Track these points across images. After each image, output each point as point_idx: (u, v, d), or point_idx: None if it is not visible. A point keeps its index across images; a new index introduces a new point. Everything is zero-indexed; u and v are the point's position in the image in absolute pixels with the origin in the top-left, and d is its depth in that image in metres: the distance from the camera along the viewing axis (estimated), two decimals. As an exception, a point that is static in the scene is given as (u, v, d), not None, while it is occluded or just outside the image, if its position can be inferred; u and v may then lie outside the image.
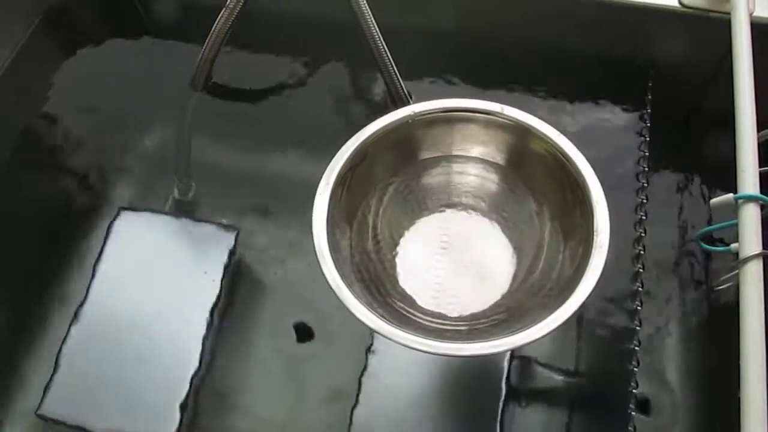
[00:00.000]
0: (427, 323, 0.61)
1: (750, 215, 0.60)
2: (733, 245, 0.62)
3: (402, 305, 0.62)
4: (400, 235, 0.66)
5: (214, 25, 0.69)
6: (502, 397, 0.70)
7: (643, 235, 0.73)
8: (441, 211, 0.67)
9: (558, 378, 0.73)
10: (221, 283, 0.76)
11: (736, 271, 0.59)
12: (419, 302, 0.63)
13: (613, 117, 0.83)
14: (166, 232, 0.80)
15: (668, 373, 0.72)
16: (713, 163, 0.76)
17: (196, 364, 0.72)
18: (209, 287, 0.76)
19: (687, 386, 0.72)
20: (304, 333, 0.77)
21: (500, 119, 0.64)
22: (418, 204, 0.67)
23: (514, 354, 0.73)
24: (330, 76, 0.89)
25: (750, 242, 0.58)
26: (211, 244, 0.78)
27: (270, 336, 0.77)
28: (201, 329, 0.74)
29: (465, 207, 0.67)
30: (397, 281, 0.64)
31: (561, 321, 0.54)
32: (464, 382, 0.72)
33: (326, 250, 0.58)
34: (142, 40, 0.95)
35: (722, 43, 0.69)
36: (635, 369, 0.67)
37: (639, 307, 0.70)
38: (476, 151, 0.67)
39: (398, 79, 0.69)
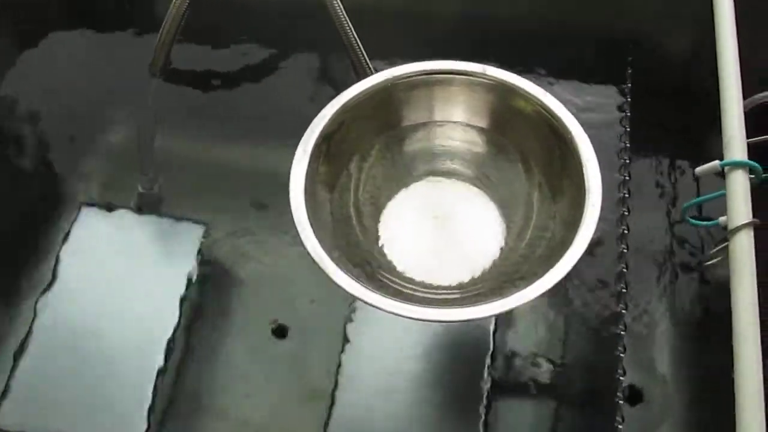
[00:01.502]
0: (414, 293, 0.59)
1: (738, 183, 0.57)
2: (722, 218, 0.60)
3: (388, 275, 0.60)
4: (384, 204, 0.64)
5: (171, 5, 0.67)
6: (486, 387, 0.67)
7: (626, 213, 0.71)
8: (426, 178, 0.66)
9: (543, 366, 0.70)
10: (189, 281, 0.73)
11: (726, 243, 0.56)
12: (406, 272, 0.61)
13: (593, 93, 0.81)
14: (131, 228, 0.77)
15: (657, 359, 0.69)
16: (698, 140, 0.74)
17: (161, 363, 0.69)
18: (176, 285, 0.73)
19: (677, 372, 0.69)
20: (279, 330, 0.74)
21: (483, 80, 0.63)
22: (401, 171, 0.66)
23: (497, 344, 0.70)
24: (301, 62, 0.87)
25: (739, 211, 0.56)
26: (179, 240, 0.76)
27: (244, 334, 0.73)
28: (168, 328, 0.71)
29: (450, 173, 0.66)
30: (382, 251, 0.62)
31: (555, 282, 0.53)
32: (446, 371, 0.69)
33: (305, 219, 0.56)
34: (103, 29, 0.91)
35: (704, 14, 0.68)
36: (622, 355, 0.66)
37: (624, 290, 0.68)
38: (459, 115, 0.66)
39: (362, 51, 0.68)
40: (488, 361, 0.68)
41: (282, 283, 0.75)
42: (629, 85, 0.78)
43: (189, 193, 0.80)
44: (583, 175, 0.57)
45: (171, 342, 0.70)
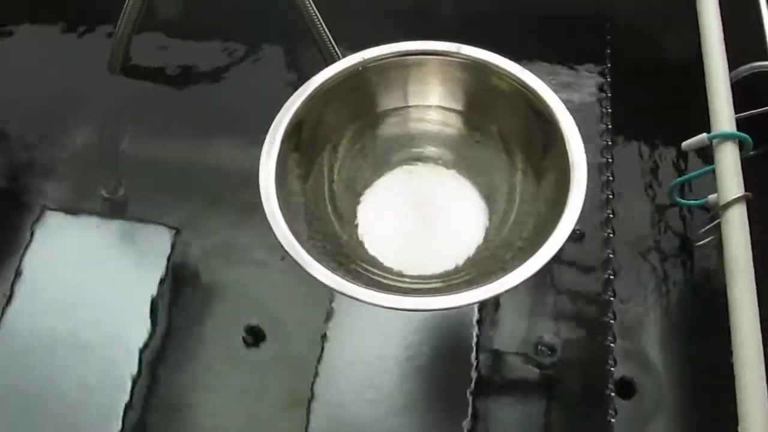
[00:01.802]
0: (396, 284, 0.57)
1: (728, 155, 0.55)
2: (711, 196, 0.58)
3: (368, 267, 0.58)
4: (361, 193, 0.62)
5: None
6: (472, 385, 0.64)
7: (611, 197, 0.69)
8: (403, 165, 0.64)
9: (531, 359, 0.68)
10: (160, 288, 0.71)
11: (718, 220, 0.54)
12: (386, 263, 0.59)
13: (571, 75, 0.80)
14: (96, 234, 0.74)
15: (647, 348, 0.67)
16: (681, 117, 0.72)
17: (134, 372, 0.66)
18: (147, 292, 0.70)
19: (669, 361, 0.67)
20: (256, 336, 0.71)
21: (458, 59, 0.61)
22: (377, 159, 0.64)
23: (481, 341, 0.67)
24: (270, 54, 0.85)
25: (730, 185, 0.54)
26: (147, 246, 0.73)
27: (220, 341, 0.71)
28: (139, 337, 0.68)
29: (428, 158, 0.64)
30: (360, 242, 0.60)
31: (543, 263, 0.51)
32: (431, 370, 0.66)
33: (277, 211, 0.54)
34: (62, 27, 0.88)
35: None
36: (612, 345, 0.63)
37: (612, 276, 0.66)
38: (435, 98, 0.64)
39: (328, 37, 0.67)
40: (473, 358, 0.65)
41: (258, 286, 0.72)
42: (608, 65, 0.77)
43: (156, 195, 0.78)
44: (566, 151, 0.55)
45: (143, 350, 0.68)
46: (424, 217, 0.61)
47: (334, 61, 0.64)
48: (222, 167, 0.79)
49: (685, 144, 0.59)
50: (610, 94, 0.75)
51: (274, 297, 0.70)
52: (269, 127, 0.59)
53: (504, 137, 0.62)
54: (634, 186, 0.73)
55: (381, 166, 0.63)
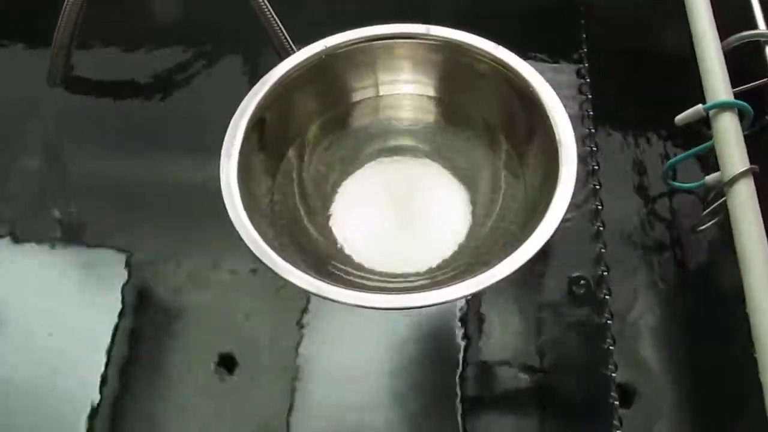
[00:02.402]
0: (377, 284, 0.54)
1: (729, 126, 0.51)
2: (709, 177, 0.54)
3: (345, 268, 0.55)
4: (334, 191, 0.59)
5: (64, 4, 0.60)
6: (459, 401, 0.60)
7: (598, 187, 0.65)
8: (378, 158, 0.61)
9: (523, 368, 0.63)
10: (119, 314, 0.66)
11: (721, 200, 0.50)
12: (365, 263, 0.56)
13: (547, 60, 0.76)
14: (45, 261, 0.70)
15: (647, 350, 0.63)
16: (665, 100, 0.67)
17: (95, 405, 0.62)
18: (104, 321, 0.66)
19: (671, 362, 0.62)
20: (226, 362, 0.66)
21: (428, 42, 0.58)
22: (350, 152, 0.61)
23: (468, 353, 0.62)
24: (224, 60, 0.80)
25: (734, 158, 0.49)
26: (102, 271, 0.69)
27: (188, 369, 0.66)
28: (98, 370, 0.63)
29: (404, 149, 0.61)
30: (335, 242, 0.57)
31: (536, 250, 0.47)
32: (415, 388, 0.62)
33: (242, 212, 0.51)
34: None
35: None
36: (611, 348, 0.59)
37: (605, 273, 0.62)
38: (407, 85, 0.61)
39: (279, 26, 0.64)
40: (459, 372, 0.61)
41: (228, 311, 0.67)
42: (584, 50, 0.73)
43: (109, 216, 0.73)
44: (551, 128, 0.52)
45: (103, 385, 0.63)
46: (404, 211, 0.58)
47: (288, 55, 0.60)
48: (178, 183, 0.74)
49: (678, 118, 0.55)
50: (589, 80, 0.71)
51: (244, 319, 0.65)
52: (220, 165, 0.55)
53: (484, 121, 0.59)
54: (621, 175, 0.69)
55: (354, 161, 0.60)
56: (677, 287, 0.64)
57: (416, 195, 0.59)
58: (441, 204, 0.58)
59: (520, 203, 0.55)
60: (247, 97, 0.56)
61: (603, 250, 0.62)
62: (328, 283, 0.48)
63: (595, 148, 0.67)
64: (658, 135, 0.71)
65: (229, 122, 0.57)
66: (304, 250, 0.55)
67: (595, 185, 0.65)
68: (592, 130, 0.68)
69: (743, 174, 0.48)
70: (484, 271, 0.47)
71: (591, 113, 0.68)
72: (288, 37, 0.64)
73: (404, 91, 0.61)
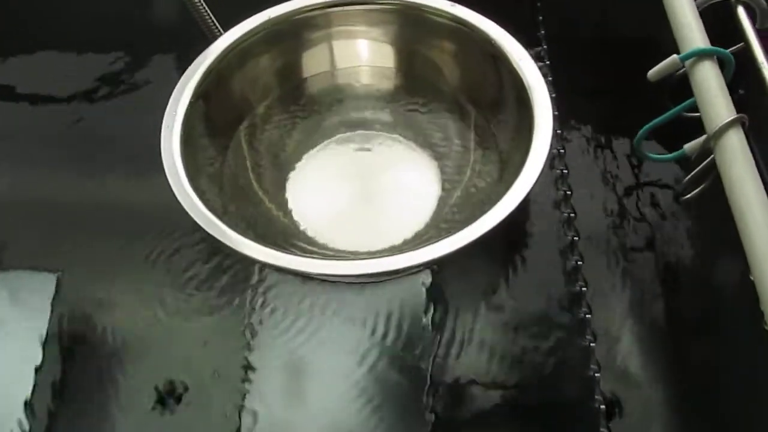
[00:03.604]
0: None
1: (709, 75, 0.46)
2: (688, 145, 0.48)
3: (310, 248, 0.52)
4: (291, 168, 0.56)
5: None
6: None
7: (569, 193, 0.61)
8: (338, 134, 0.58)
9: (496, 391, 0.58)
10: (45, 344, 0.61)
11: (710, 158, 0.45)
12: (330, 244, 0.53)
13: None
14: None
15: (631, 363, 0.58)
16: (631, 89, 0.64)
17: None
18: (30, 349, 0.61)
19: (655, 373, 0.58)
20: (169, 394, 0.61)
21: (383, 6, 0.56)
22: (307, 130, 0.58)
23: (435, 376, 0.56)
24: (156, 73, 0.75)
25: (719, 108, 0.44)
26: (28, 296, 0.64)
27: (126, 403, 0.60)
28: (20, 403, 0.59)
29: (365, 124, 0.58)
30: (295, 221, 0.54)
31: (508, 212, 0.44)
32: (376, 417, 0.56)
33: (189, 191, 0.48)
34: None
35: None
36: (597, 375, 0.54)
37: (584, 288, 0.57)
38: (364, 53, 0.59)
39: (205, 9, 0.58)
40: (426, 396, 0.55)
41: (168, 337, 0.62)
42: (544, 46, 0.69)
43: (34, 237, 0.68)
44: (520, 81, 0.49)
45: (29, 421, 0.58)
46: (367, 188, 0.55)
47: (215, 37, 0.57)
48: (113, 201, 0.69)
49: (652, 72, 0.49)
50: (551, 78, 0.66)
51: (186, 347, 0.60)
52: (161, 151, 0.51)
53: (448, 85, 0.57)
54: (591, 178, 0.64)
55: (312, 136, 0.57)
56: (656, 293, 0.59)
57: (379, 169, 0.56)
58: (406, 179, 0.55)
59: (492, 167, 0.53)
60: (187, 71, 0.53)
61: (580, 263, 0.58)
62: (280, 250, 0.44)
63: (562, 150, 0.63)
64: (627, 134, 0.66)
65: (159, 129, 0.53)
66: (264, 235, 0.51)
67: (566, 191, 0.61)
68: (558, 131, 0.63)
69: (731, 124, 0.43)
70: (454, 233, 0.44)
71: (556, 113, 0.64)
72: (216, 21, 0.60)
73: (361, 61, 0.59)
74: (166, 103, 0.64)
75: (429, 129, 0.57)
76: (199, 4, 0.58)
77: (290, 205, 0.54)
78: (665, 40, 0.51)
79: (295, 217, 0.54)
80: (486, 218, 0.44)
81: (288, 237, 0.52)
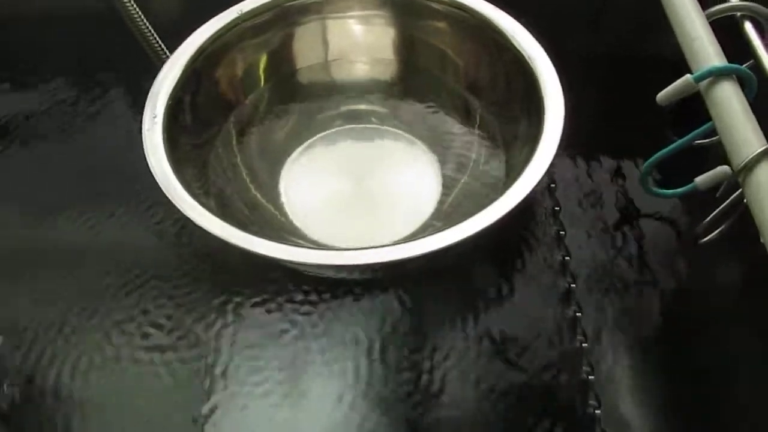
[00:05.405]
0: None
1: (730, 96, 0.40)
2: (699, 179, 0.45)
3: (299, 242, 0.51)
4: (283, 163, 0.55)
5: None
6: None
7: (563, 233, 0.56)
8: (333, 128, 0.57)
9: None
10: None
11: (736, 193, 0.42)
12: (323, 240, 0.51)
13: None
14: None
15: (633, 412, 0.53)
16: (630, 120, 0.61)
17: None
18: None
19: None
20: None
21: None
22: (301, 124, 0.57)
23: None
24: (114, 100, 0.69)
25: (746, 135, 0.38)
26: None
27: None
28: None
29: (360, 117, 0.57)
30: (288, 218, 0.52)
31: (507, 211, 0.42)
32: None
33: (178, 187, 0.45)
34: None
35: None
36: (597, 412, 0.48)
37: (578, 314, 0.52)
38: (359, 46, 0.57)
39: (150, 31, 0.57)
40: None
41: (134, 401, 0.55)
42: None
43: None
44: (527, 66, 0.48)
45: None
46: (363, 182, 0.54)
47: (161, 60, 0.55)
48: (73, 244, 0.62)
49: (661, 95, 0.44)
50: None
51: (159, 413, 0.53)
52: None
53: (449, 74, 0.55)
54: (585, 214, 0.59)
55: (305, 130, 0.56)
56: (660, 332, 0.54)
57: (376, 164, 0.55)
58: (405, 174, 0.54)
59: (495, 164, 0.51)
60: (161, 72, 0.51)
61: (579, 314, 0.53)
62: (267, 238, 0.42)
63: (553, 186, 0.58)
64: (624, 156, 0.61)
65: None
66: (256, 233, 0.47)
67: (559, 231, 0.56)
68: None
69: (763, 155, 0.37)
70: (452, 227, 0.42)
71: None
72: (161, 42, 0.58)
73: (356, 52, 0.57)
74: (125, 140, 0.60)
75: (430, 121, 0.56)
76: (143, 26, 0.57)
77: (283, 201, 0.53)
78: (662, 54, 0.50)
79: (288, 213, 0.52)
80: (484, 214, 0.42)
81: (282, 234, 0.50)
